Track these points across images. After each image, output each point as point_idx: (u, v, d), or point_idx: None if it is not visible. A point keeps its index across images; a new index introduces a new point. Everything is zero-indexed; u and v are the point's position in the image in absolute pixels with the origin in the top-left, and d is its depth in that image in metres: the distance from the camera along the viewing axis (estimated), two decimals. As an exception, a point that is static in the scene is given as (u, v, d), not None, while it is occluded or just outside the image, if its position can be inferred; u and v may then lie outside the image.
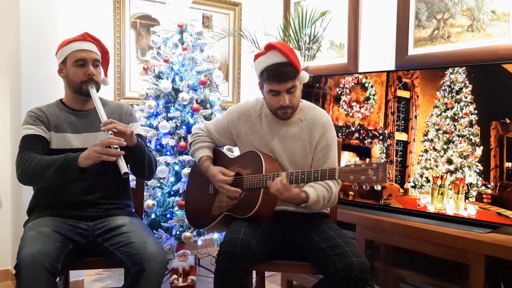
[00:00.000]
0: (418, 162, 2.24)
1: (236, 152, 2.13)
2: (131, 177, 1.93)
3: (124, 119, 1.93)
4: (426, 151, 2.21)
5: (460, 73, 2.09)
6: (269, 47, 1.74)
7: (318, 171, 1.61)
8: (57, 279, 1.60)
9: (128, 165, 1.76)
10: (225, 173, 1.83)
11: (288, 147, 1.84)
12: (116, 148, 1.67)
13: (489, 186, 1.99)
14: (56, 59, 1.86)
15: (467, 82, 2.07)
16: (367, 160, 2.44)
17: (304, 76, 1.75)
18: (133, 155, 1.77)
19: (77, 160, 1.65)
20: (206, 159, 1.93)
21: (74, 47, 1.81)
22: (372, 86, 2.43)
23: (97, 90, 1.84)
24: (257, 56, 1.79)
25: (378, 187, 1.54)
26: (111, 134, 1.69)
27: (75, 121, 1.85)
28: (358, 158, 2.49)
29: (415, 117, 2.26)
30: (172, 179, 2.68)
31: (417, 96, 2.25)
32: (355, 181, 1.53)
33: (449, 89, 2.13)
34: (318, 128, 1.83)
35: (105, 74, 1.95)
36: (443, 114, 2.15)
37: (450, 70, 2.12)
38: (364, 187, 1.53)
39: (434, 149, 2.18)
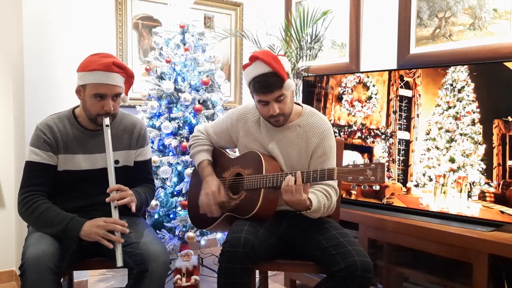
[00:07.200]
0: (420, 161, 2.23)
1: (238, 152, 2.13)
2: None
3: (136, 141, 1.90)
4: (428, 149, 2.21)
5: (462, 71, 2.09)
6: (253, 58, 1.73)
7: (317, 171, 1.62)
8: (61, 280, 1.61)
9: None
10: (221, 192, 1.83)
11: (285, 151, 1.83)
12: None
13: (492, 184, 1.99)
14: (76, 75, 1.75)
15: (469, 80, 2.07)
16: (368, 160, 2.44)
17: (290, 84, 1.73)
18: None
19: (79, 232, 1.63)
20: (208, 164, 1.94)
21: (96, 79, 1.69)
22: (374, 85, 2.43)
23: (112, 120, 1.80)
24: (244, 67, 1.79)
25: (376, 187, 1.54)
26: (115, 206, 1.69)
27: (85, 140, 1.80)
28: (360, 157, 2.49)
29: (417, 115, 2.25)
30: (175, 179, 2.69)
31: (419, 95, 2.25)
32: (353, 181, 1.54)
33: (451, 87, 2.12)
34: (316, 136, 1.81)
35: (126, 93, 1.89)
36: (445, 112, 2.15)
37: (452, 68, 2.12)
38: (362, 187, 1.54)
39: (437, 148, 2.17)
